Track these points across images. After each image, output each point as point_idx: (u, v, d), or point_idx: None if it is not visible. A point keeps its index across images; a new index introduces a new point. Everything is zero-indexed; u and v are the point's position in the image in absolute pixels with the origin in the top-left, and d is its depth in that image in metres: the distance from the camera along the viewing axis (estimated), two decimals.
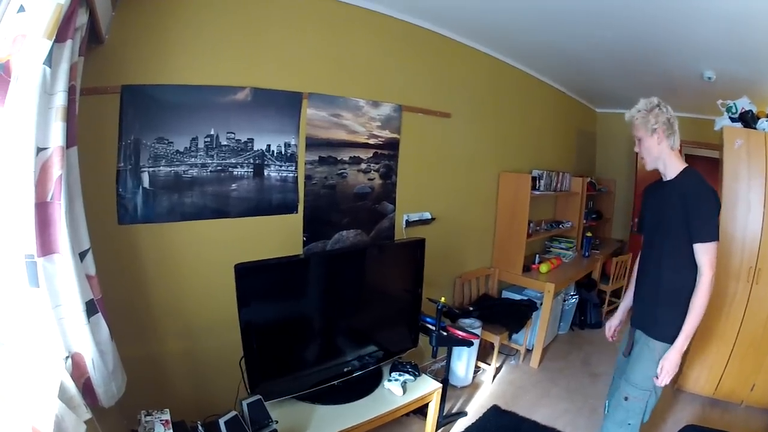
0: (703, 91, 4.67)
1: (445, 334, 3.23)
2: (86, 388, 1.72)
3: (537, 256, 5.16)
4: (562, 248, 5.66)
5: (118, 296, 2.22)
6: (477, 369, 4.36)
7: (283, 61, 2.83)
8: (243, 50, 2.64)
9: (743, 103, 3.95)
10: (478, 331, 3.97)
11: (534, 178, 4.83)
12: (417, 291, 3.23)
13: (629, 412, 2.28)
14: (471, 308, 4.31)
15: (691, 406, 3.95)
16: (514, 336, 4.43)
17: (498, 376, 4.45)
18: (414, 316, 3.24)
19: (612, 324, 2.81)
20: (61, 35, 1.45)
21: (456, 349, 3.86)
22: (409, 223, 3.75)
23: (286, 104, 2.82)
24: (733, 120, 3.98)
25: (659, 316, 2.29)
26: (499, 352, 4.62)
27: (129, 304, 2.40)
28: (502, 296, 5.01)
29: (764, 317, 3.75)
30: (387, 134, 3.36)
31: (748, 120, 3.86)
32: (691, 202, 2.19)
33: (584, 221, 6.07)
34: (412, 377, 2.93)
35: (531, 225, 4.95)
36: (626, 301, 2.74)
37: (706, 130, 6.05)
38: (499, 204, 4.82)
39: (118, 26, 2.18)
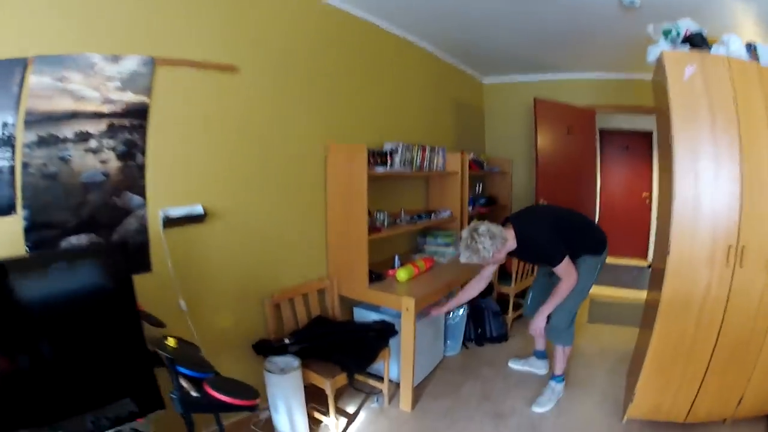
0: (624, 28, 3.95)
1: (195, 395, 1.95)
2: None
3: (397, 257, 3.88)
4: (438, 245, 4.43)
5: None
6: (318, 421, 3.13)
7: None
8: None
9: (687, 25, 2.97)
10: (294, 375, 2.83)
11: (384, 154, 3.68)
12: (136, 329, 2.01)
13: None
14: (287, 340, 3.01)
15: None
16: (376, 366, 3.26)
17: (353, 427, 3.17)
18: (141, 365, 2.04)
19: None
20: None
21: (274, 397, 2.85)
22: (170, 222, 2.57)
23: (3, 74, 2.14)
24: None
25: None
26: (357, 389, 3.49)
27: None
28: (354, 317, 3.80)
29: (753, 309, 2.75)
30: (129, 97, 2.46)
31: (698, 43, 2.92)
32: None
33: (469, 208, 4.93)
34: None
35: (382, 216, 3.76)
36: None
37: (626, 92, 5.70)
38: (329, 189, 3.55)
39: None
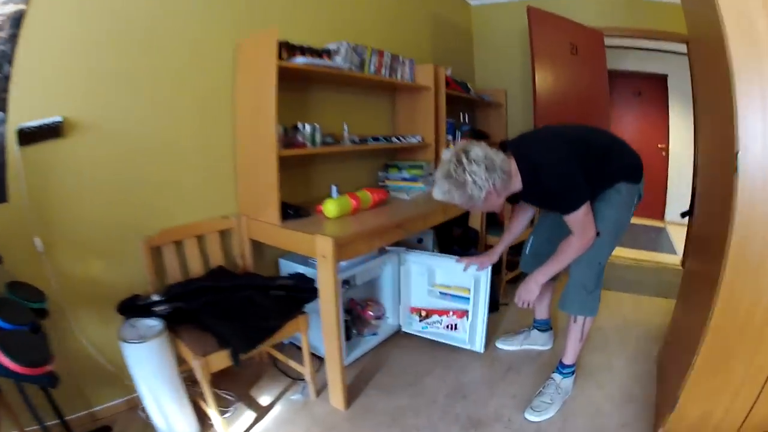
0: None
1: None
2: None
3: (334, 188, 2.68)
4: (404, 179, 3.25)
5: None
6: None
7: None
8: None
9: None
10: (152, 346, 1.77)
11: (319, 51, 2.55)
12: None
13: None
14: (157, 297, 1.97)
15: None
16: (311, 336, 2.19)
17: (259, 428, 2.09)
18: None
19: None
20: None
21: (134, 375, 1.84)
22: (26, 137, 1.82)
23: None
24: None
25: None
26: (282, 371, 2.48)
27: None
28: (281, 272, 2.70)
29: None
30: (9, 9, 1.94)
31: None
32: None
33: (449, 137, 3.71)
34: None
35: (310, 130, 2.53)
36: None
37: (638, 15, 4.58)
38: (238, 96, 2.40)
39: None
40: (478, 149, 1.85)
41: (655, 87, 6.89)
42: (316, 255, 1.98)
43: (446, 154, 1.90)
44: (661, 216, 6.88)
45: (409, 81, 3.24)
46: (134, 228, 2.13)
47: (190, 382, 2.00)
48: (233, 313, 1.89)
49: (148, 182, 2.20)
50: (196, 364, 1.76)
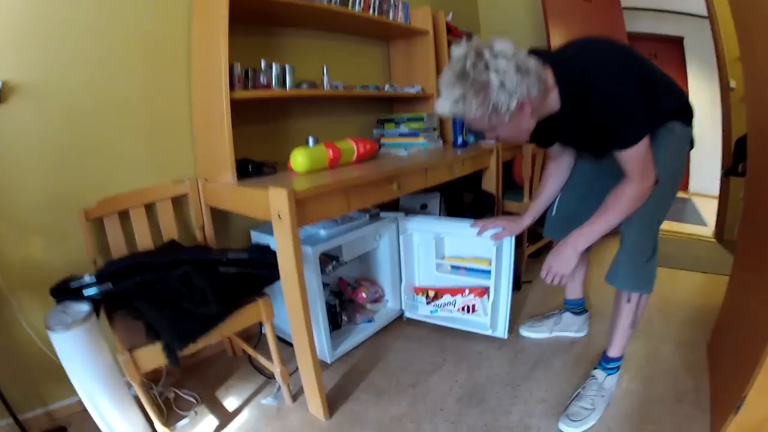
0: None
1: None
2: None
3: (310, 139, 2.06)
4: (402, 134, 2.67)
5: None
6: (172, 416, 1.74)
7: None
8: None
9: None
10: (79, 335, 1.35)
11: None
12: None
13: None
14: (89, 277, 1.52)
15: None
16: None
17: None
18: None
19: None
20: None
21: (66, 370, 1.43)
22: None
23: None
24: None
25: None
26: (256, 368, 2.05)
27: None
28: (252, 241, 2.19)
29: None
30: None
31: None
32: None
33: None
34: None
35: (278, 70, 2.01)
36: None
37: None
38: (193, 44, 1.91)
39: None
40: (506, 44, 1.27)
41: (671, 50, 6.30)
42: (271, 216, 1.43)
43: (458, 50, 1.29)
44: (684, 186, 6.33)
45: (404, 23, 2.68)
46: (78, 199, 1.72)
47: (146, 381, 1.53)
48: (166, 297, 1.37)
49: (95, 145, 1.80)
50: (120, 360, 1.31)
